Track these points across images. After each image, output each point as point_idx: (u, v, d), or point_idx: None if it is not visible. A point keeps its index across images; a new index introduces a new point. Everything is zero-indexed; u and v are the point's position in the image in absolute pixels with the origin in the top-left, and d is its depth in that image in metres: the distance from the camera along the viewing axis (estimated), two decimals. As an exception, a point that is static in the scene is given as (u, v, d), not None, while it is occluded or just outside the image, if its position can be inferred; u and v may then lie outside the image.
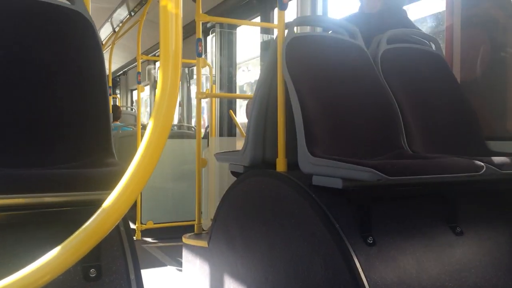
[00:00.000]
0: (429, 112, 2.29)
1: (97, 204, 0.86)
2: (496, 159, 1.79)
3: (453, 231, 1.79)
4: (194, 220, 2.97)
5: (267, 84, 2.22)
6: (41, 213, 1.26)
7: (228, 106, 4.87)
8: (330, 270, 1.61)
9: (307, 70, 2.03)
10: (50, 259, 0.76)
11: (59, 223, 1.26)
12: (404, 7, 2.78)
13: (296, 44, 2.07)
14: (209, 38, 5.59)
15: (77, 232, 0.78)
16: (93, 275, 1.31)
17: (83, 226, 0.78)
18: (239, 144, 3.75)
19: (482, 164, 1.71)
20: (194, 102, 7.45)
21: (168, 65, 0.79)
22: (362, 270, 1.53)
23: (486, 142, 2.30)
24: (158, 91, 0.81)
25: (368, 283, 1.50)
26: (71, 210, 1.27)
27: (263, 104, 2.23)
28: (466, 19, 2.67)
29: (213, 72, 4.86)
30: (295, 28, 2.17)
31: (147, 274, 3.03)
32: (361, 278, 1.51)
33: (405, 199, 1.85)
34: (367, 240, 1.62)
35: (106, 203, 0.78)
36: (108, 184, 1.21)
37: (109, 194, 0.79)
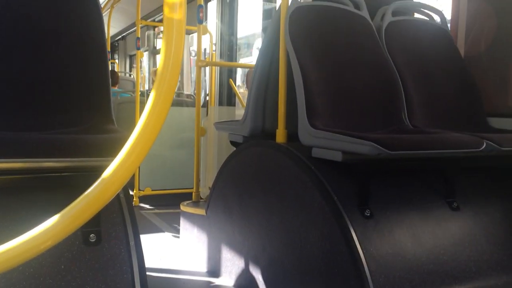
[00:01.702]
0: (432, 86, 2.27)
1: (98, 170, 0.86)
2: (497, 136, 1.79)
3: (450, 206, 1.80)
4: (192, 188, 2.99)
5: (268, 54, 2.19)
6: (41, 177, 1.26)
7: (228, 75, 4.82)
8: (327, 241, 1.63)
9: (310, 41, 2.00)
10: (51, 225, 0.76)
11: (60, 188, 1.27)
12: None
13: (299, 14, 2.03)
14: (210, 4, 5.48)
15: (78, 199, 0.77)
16: (93, 240, 1.32)
17: (85, 193, 0.78)
18: (239, 114, 3.73)
19: (482, 140, 1.71)
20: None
21: (172, 31, 0.78)
22: (359, 242, 1.55)
23: (487, 118, 2.30)
24: (161, 57, 0.79)
25: (364, 255, 1.53)
26: (72, 175, 1.27)
27: (264, 74, 2.21)
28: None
29: (214, 40, 4.79)
30: (299, -3, 2.12)
31: (144, 240, 3.06)
32: (357, 250, 1.53)
33: (404, 174, 1.86)
34: (364, 213, 1.63)
35: (108, 171, 0.77)
36: (109, 150, 1.20)
37: (110, 161, 0.79)
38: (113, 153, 1.11)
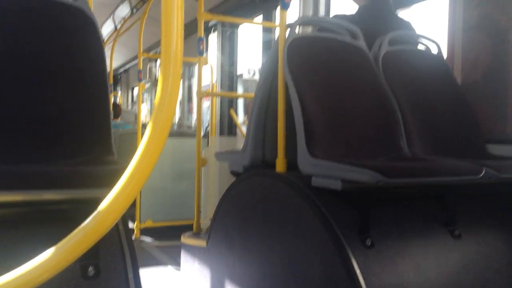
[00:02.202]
0: (430, 114, 2.29)
1: (96, 202, 0.86)
2: (496, 163, 1.79)
3: (451, 234, 1.79)
4: (193, 219, 2.97)
5: (267, 84, 2.22)
6: (39, 210, 1.26)
7: (229, 105, 4.87)
8: (328, 271, 1.61)
9: (308, 71, 2.03)
10: (48, 257, 0.76)
11: (58, 220, 1.26)
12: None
13: (297, 44, 2.07)
14: (211, 36, 5.59)
15: (75, 231, 0.77)
16: (91, 274, 1.30)
17: (82, 225, 0.78)
18: (240, 144, 3.74)
19: (482, 167, 1.71)
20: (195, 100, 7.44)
21: (169, 63, 0.79)
22: (360, 272, 1.53)
23: (486, 145, 2.30)
24: (158, 89, 0.80)
25: (366, 285, 1.50)
26: (70, 207, 1.26)
27: (264, 104, 2.23)
28: (467, 22, 2.67)
29: (214, 71, 4.86)
30: (297, 28, 2.17)
31: (145, 273, 3.03)
32: (359, 281, 1.51)
33: (404, 201, 1.85)
34: (365, 242, 1.62)
35: (105, 202, 0.78)
36: (107, 182, 1.20)
37: (108, 192, 0.79)
38: (111, 184, 1.11)
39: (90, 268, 1.31)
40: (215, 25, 5.41)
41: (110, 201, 0.78)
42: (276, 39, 2.25)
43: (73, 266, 1.28)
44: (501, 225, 1.92)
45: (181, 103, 7.54)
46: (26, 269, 0.75)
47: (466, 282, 1.68)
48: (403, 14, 3.11)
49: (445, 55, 2.62)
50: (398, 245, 1.67)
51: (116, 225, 1.41)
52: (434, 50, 2.56)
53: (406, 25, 2.67)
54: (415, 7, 3.36)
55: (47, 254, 0.76)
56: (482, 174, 1.69)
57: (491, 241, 1.84)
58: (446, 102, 2.36)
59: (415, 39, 2.60)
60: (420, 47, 2.64)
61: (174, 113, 0.83)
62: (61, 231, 0.94)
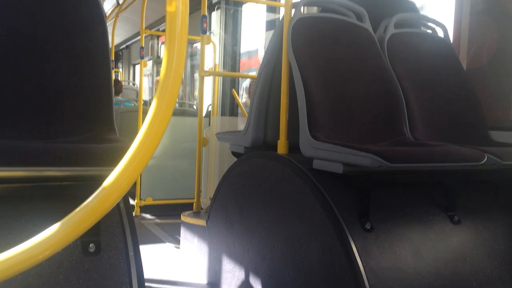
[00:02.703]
0: (433, 99, 2.27)
1: (98, 180, 0.86)
2: (498, 150, 1.79)
3: (451, 219, 1.79)
4: (193, 199, 2.98)
5: (271, 65, 2.20)
6: (42, 186, 1.26)
7: (231, 85, 4.84)
8: (327, 254, 1.62)
9: (312, 52, 2.01)
10: (51, 234, 0.76)
11: (60, 197, 1.27)
12: None
13: (302, 25, 2.04)
14: (213, 14, 5.52)
15: (78, 208, 0.77)
16: (92, 250, 1.31)
17: (85, 203, 0.78)
18: (241, 125, 3.74)
19: (484, 154, 1.71)
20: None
21: (174, 41, 0.78)
22: (359, 255, 1.54)
23: (489, 131, 2.29)
24: (163, 68, 0.79)
25: (364, 268, 1.52)
26: (72, 185, 1.27)
27: (266, 85, 2.22)
28: (475, 6, 2.64)
29: (217, 50, 4.82)
30: (302, 8, 2.14)
31: (145, 250, 3.06)
32: (358, 263, 1.52)
33: (405, 186, 1.86)
34: (365, 226, 1.63)
35: (108, 180, 0.77)
36: (110, 160, 1.20)
37: (111, 170, 0.79)
38: (114, 162, 1.12)
39: (91, 245, 1.32)
40: (218, 3, 5.34)
41: (113, 179, 0.78)
42: (280, 18, 2.22)
43: (74, 242, 1.29)
44: (501, 212, 1.92)
45: (183, 83, 7.50)
46: (29, 245, 0.76)
47: (464, 267, 1.69)
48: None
49: (451, 39, 2.59)
50: (397, 229, 1.68)
51: (117, 203, 1.42)
52: (441, 34, 2.53)
53: (412, 7, 2.63)
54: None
55: (50, 230, 0.77)
56: (484, 160, 1.68)
57: (491, 227, 1.85)
58: (450, 87, 2.35)
59: (421, 22, 2.56)
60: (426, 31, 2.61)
61: (178, 91, 0.83)
62: (63, 208, 0.94)
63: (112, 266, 1.32)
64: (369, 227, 1.63)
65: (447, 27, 2.53)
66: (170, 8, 0.78)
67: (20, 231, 1.27)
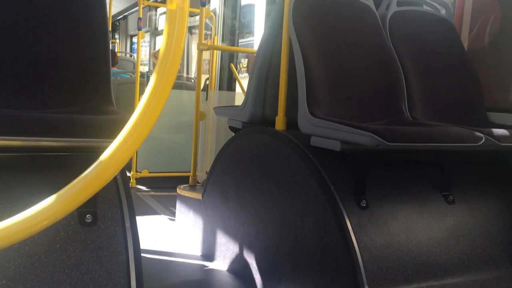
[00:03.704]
0: (433, 78, 2.26)
1: (96, 151, 0.85)
2: (496, 131, 1.79)
3: (446, 199, 1.81)
4: (189, 172, 2.99)
5: (271, 40, 2.18)
6: (39, 156, 1.26)
7: (229, 59, 4.79)
8: (321, 230, 1.64)
9: (313, 29, 1.99)
10: (48, 204, 0.76)
11: (57, 168, 1.26)
12: None
13: (304, 0, 2.01)
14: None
15: (76, 180, 0.77)
16: (89, 221, 1.32)
17: (83, 174, 0.77)
18: (239, 100, 3.72)
19: (482, 135, 1.71)
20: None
21: (175, 13, 0.77)
22: (353, 231, 1.56)
23: (487, 113, 2.29)
24: (163, 40, 0.78)
25: (358, 245, 1.54)
26: (70, 155, 1.26)
27: (266, 60, 2.19)
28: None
29: (216, 24, 4.75)
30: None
31: (140, 222, 3.08)
32: (352, 240, 1.54)
33: (402, 166, 1.86)
34: (360, 203, 1.64)
35: (107, 152, 0.77)
36: (109, 132, 1.20)
37: (109, 142, 0.79)
38: (111, 134, 1.11)
39: (88, 216, 1.32)
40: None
41: (112, 152, 0.78)
42: (282, -7, 2.18)
43: (71, 213, 1.29)
44: (496, 193, 1.94)
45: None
46: (26, 215, 0.76)
47: (456, 246, 1.72)
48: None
49: (453, 18, 2.56)
50: (392, 208, 1.69)
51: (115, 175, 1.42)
52: (443, 12, 2.50)
53: None
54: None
55: (48, 201, 0.77)
56: (482, 141, 1.69)
57: (485, 208, 1.87)
58: (450, 67, 2.33)
59: (424, 0, 2.53)
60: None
61: (178, 66, 0.82)
62: (61, 179, 0.94)
63: (108, 236, 1.33)
64: (364, 205, 1.64)
65: (449, 6, 2.50)
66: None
67: (18, 201, 1.27)
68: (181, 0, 0.76)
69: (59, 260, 1.26)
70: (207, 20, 4.36)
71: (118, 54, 7.43)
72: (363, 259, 1.52)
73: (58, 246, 1.27)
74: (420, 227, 1.69)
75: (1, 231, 0.75)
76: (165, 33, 0.77)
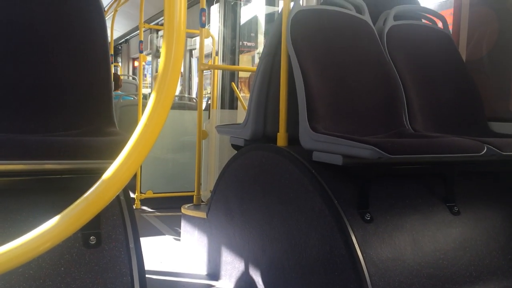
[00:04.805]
0: (433, 91, 2.27)
1: (98, 173, 0.86)
2: (497, 141, 1.79)
3: (451, 210, 1.80)
4: (193, 191, 2.99)
5: (270, 57, 2.20)
6: (42, 179, 1.27)
7: (230, 78, 4.83)
8: (327, 245, 1.63)
9: (311, 45, 2.01)
10: (51, 226, 0.77)
11: (60, 190, 1.27)
12: None
13: (301, 17, 2.03)
14: (213, 8, 5.50)
15: (78, 201, 0.78)
16: (93, 242, 1.32)
17: (85, 195, 0.78)
18: (240, 118, 3.74)
19: (483, 144, 1.71)
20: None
21: (172, 34, 0.78)
22: (359, 246, 1.55)
23: (488, 123, 2.29)
24: (161, 61, 0.80)
25: (363, 259, 1.52)
26: (72, 177, 1.27)
27: (266, 77, 2.21)
28: (475, -3, 2.63)
29: (216, 44, 4.81)
30: (301, 1, 2.13)
31: (145, 243, 3.07)
32: (357, 254, 1.53)
33: (405, 178, 1.86)
34: (364, 217, 1.63)
35: (108, 173, 0.78)
36: (110, 153, 1.21)
37: (110, 163, 0.79)
38: (113, 155, 1.12)
39: (92, 237, 1.33)
40: (217, -4, 5.31)
41: (113, 172, 0.78)
42: (280, 11, 2.21)
43: (75, 235, 1.30)
44: (501, 203, 1.93)
45: (182, 76, 7.48)
46: (29, 237, 0.76)
47: (463, 257, 1.70)
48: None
49: (451, 31, 2.59)
50: (396, 220, 1.68)
51: (118, 196, 1.43)
52: (440, 25, 2.53)
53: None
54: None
55: (50, 223, 0.77)
56: (484, 151, 1.69)
57: (490, 218, 1.86)
58: (450, 78, 2.34)
59: (420, 13, 2.56)
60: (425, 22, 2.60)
61: (177, 85, 0.83)
62: (64, 201, 0.95)
63: (113, 258, 1.32)
64: (368, 218, 1.64)
65: (446, 18, 2.52)
66: (168, 2, 0.78)
67: (21, 224, 1.28)
68: (178, 20, 0.77)
69: (64, 283, 1.25)
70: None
71: (121, 77, 7.50)
72: (369, 273, 1.50)
73: (62, 269, 1.27)
74: (426, 239, 1.68)
75: (4, 254, 0.75)
76: (162, 53, 0.79)
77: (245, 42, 5.57)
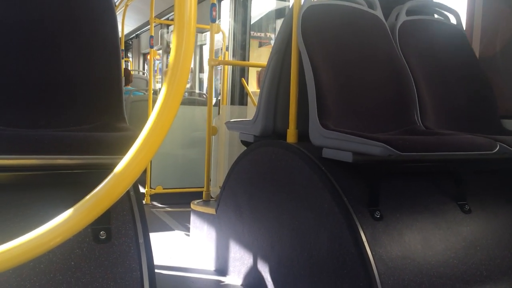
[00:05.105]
0: (445, 87, 2.25)
1: (109, 168, 0.86)
2: (510, 138, 1.76)
3: (461, 208, 1.78)
4: (203, 187, 3.00)
5: (281, 53, 2.19)
6: (52, 174, 1.27)
7: (240, 74, 4.83)
8: (336, 242, 1.62)
9: (322, 41, 1.99)
10: (62, 221, 0.77)
11: (71, 185, 1.28)
12: None
13: (312, 12, 2.02)
14: (223, 3, 5.49)
15: (89, 196, 0.78)
16: (103, 237, 1.33)
17: (95, 190, 0.78)
18: (250, 114, 3.73)
19: (496, 142, 1.69)
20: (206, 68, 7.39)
21: (183, 30, 0.78)
22: (368, 243, 1.54)
23: (501, 120, 2.26)
24: (172, 56, 0.79)
25: (373, 257, 1.52)
26: (83, 173, 1.28)
27: (276, 73, 2.20)
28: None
29: (227, 39, 4.80)
30: (312, -4, 2.12)
31: (155, 238, 3.09)
32: (367, 252, 1.52)
33: (415, 175, 1.84)
34: (374, 215, 1.62)
35: (118, 168, 0.78)
36: (120, 148, 1.21)
37: (121, 158, 0.79)
38: (123, 151, 1.12)
39: (102, 232, 1.33)
40: (228, -9, 5.29)
41: (123, 167, 0.78)
42: (290, 6, 2.20)
43: (85, 230, 1.30)
44: None
45: (192, 71, 7.49)
46: (40, 232, 0.77)
47: (474, 256, 1.68)
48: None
49: (464, 26, 2.55)
50: (407, 218, 1.67)
51: (128, 191, 1.43)
52: (453, 21, 2.50)
53: None
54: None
55: (61, 218, 0.77)
56: (496, 149, 1.66)
57: (502, 216, 1.84)
58: (462, 75, 2.31)
59: (433, 8, 2.52)
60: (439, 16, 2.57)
61: (186, 80, 0.82)
62: (74, 195, 0.95)
63: (122, 253, 1.33)
64: (378, 216, 1.62)
65: (460, 14, 2.49)
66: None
67: (32, 218, 1.29)
68: (188, 15, 0.77)
69: (74, 278, 1.26)
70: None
71: (132, 73, 7.53)
72: (378, 272, 1.49)
73: (72, 263, 1.28)
74: (436, 237, 1.67)
75: (15, 248, 0.76)
76: (173, 48, 0.78)
77: (267, 34, 5.55)
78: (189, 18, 0.78)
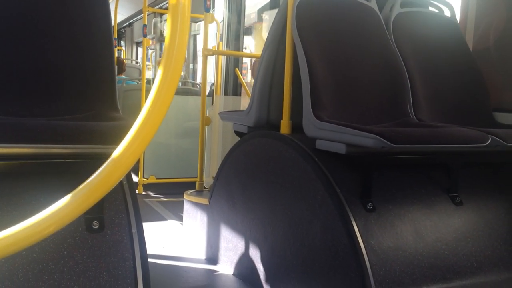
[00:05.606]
0: (438, 80, 2.26)
1: (102, 157, 0.86)
2: (503, 131, 1.78)
3: (453, 201, 1.80)
4: (196, 177, 3.00)
5: (275, 44, 2.18)
6: (45, 163, 1.27)
7: (234, 64, 4.80)
8: (328, 233, 1.63)
9: (317, 32, 1.99)
10: (55, 210, 0.77)
11: (64, 174, 1.27)
12: None
13: (307, 3, 2.01)
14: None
15: (82, 185, 0.78)
16: (96, 227, 1.33)
17: (89, 180, 0.78)
18: (244, 104, 3.72)
19: (488, 135, 1.70)
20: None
21: (177, 19, 0.77)
22: (360, 234, 1.55)
23: (493, 113, 2.28)
24: (166, 46, 0.79)
25: (365, 248, 1.53)
26: (76, 162, 1.27)
27: (270, 64, 2.20)
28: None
29: (220, 29, 4.77)
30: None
31: (148, 227, 3.09)
32: (359, 243, 1.53)
33: (408, 167, 1.86)
34: (366, 206, 1.63)
35: (112, 158, 0.78)
36: (114, 138, 1.21)
37: (114, 148, 0.79)
38: (117, 140, 1.12)
39: (95, 222, 1.33)
40: (222, -19, 5.25)
41: (116, 157, 0.78)
42: (285, -3, 2.18)
43: (78, 219, 1.30)
44: (504, 194, 1.93)
45: (186, 61, 7.45)
46: (33, 221, 0.76)
47: (465, 248, 1.70)
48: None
49: (458, 19, 2.56)
50: (399, 210, 1.69)
51: (121, 181, 1.43)
52: (447, 13, 2.50)
53: None
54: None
55: (54, 207, 0.77)
56: (488, 142, 1.68)
57: (493, 209, 1.86)
58: (456, 68, 2.32)
59: (428, 1, 2.52)
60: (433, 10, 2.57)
61: (181, 70, 0.82)
62: (67, 185, 0.95)
63: (115, 242, 1.33)
64: (371, 207, 1.64)
65: (454, 6, 2.49)
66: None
67: (25, 207, 1.28)
68: (182, 4, 0.76)
69: (67, 267, 1.26)
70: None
71: (125, 62, 7.48)
72: (370, 262, 1.51)
73: (65, 253, 1.28)
74: (427, 229, 1.68)
75: (8, 237, 0.75)
76: (167, 38, 0.78)
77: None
78: (183, 7, 0.77)
